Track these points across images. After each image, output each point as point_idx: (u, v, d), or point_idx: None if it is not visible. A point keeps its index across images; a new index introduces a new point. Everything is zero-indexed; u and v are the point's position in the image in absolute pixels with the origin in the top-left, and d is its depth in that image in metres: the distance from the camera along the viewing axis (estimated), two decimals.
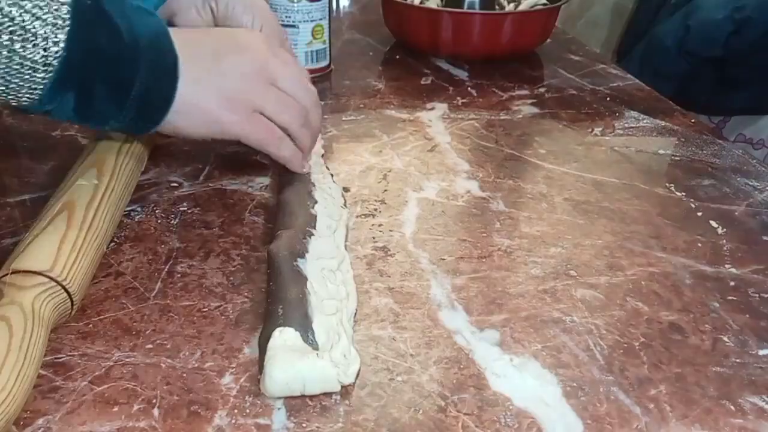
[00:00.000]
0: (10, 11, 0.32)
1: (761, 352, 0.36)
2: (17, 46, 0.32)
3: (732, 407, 0.33)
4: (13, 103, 0.35)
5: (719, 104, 1.13)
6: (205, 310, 0.38)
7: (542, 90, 0.74)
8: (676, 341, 0.37)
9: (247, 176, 0.53)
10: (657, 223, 0.48)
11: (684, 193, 0.53)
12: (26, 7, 0.32)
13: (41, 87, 0.34)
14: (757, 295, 0.41)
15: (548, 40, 0.88)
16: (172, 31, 0.40)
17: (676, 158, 0.59)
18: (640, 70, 1.03)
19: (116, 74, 0.36)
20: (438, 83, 0.75)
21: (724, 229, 0.48)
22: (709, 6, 1.09)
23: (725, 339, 0.37)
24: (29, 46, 0.33)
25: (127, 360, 0.34)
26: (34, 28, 0.32)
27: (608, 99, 0.72)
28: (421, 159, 0.57)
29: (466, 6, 0.83)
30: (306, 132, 0.47)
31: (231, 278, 0.40)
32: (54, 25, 0.33)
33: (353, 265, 0.42)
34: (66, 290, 0.35)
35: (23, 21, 0.32)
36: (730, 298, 0.40)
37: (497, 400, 0.32)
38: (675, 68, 1.12)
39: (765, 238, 0.47)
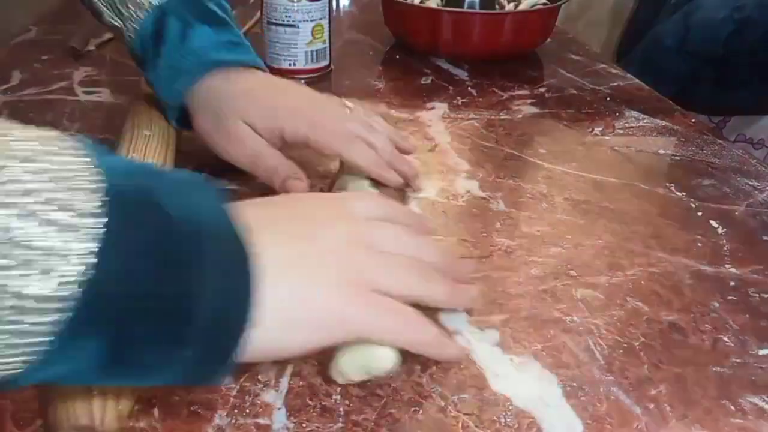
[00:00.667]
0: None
1: (761, 352, 0.36)
2: (10, 276, 0.19)
3: (732, 407, 0.33)
4: None
5: (719, 104, 1.13)
6: None
7: (542, 90, 0.74)
8: (676, 341, 0.37)
9: (247, 176, 0.53)
10: (657, 223, 0.48)
11: (684, 193, 0.53)
12: (21, 208, 0.19)
13: (48, 338, 0.21)
14: (757, 294, 0.41)
15: (548, 40, 0.88)
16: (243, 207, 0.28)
17: (677, 158, 0.59)
18: (640, 70, 1.03)
19: (170, 299, 0.23)
20: (438, 83, 0.75)
21: (725, 229, 0.48)
22: (709, 6, 1.09)
23: (725, 339, 0.37)
24: (33, 272, 0.20)
25: None
26: (42, 239, 0.20)
27: (608, 99, 0.72)
28: (422, 159, 0.57)
29: (466, 6, 0.83)
30: (448, 288, 0.34)
31: None
32: (74, 230, 0.20)
33: None
34: None
35: (24, 232, 0.19)
36: (730, 298, 0.40)
37: (497, 400, 0.32)
38: (675, 68, 1.12)
39: (765, 238, 0.47)
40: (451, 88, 0.74)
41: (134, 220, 0.22)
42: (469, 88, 0.74)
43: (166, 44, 0.46)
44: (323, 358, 0.34)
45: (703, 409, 0.33)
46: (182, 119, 0.48)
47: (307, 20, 0.70)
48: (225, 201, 0.27)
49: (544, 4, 0.85)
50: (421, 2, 0.85)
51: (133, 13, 0.47)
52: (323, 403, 0.32)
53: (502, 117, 0.66)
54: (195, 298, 0.24)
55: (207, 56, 0.46)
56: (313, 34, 0.72)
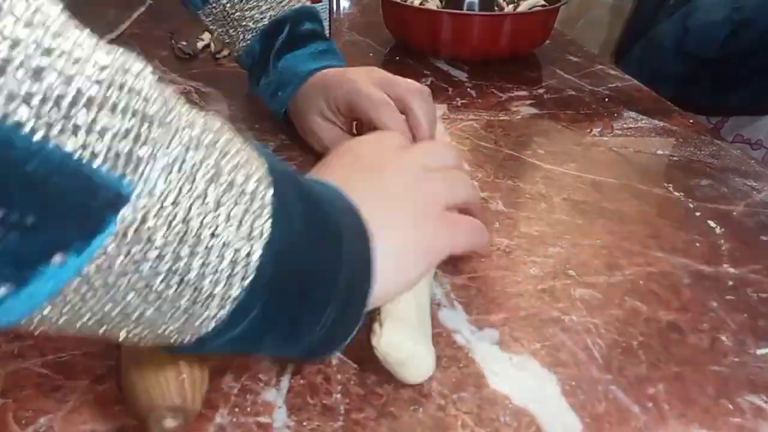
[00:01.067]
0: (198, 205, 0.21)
1: (759, 352, 0.36)
2: (198, 260, 0.21)
3: (730, 406, 0.33)
4: (157, 341, 0.23)
5: (718, 105, 1.13)
6: None
7: (541, 91, 0.74)
8: (675, 340, 0.37)
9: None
10: (655, 223, 0.48)
11: (682, 193, 0.53)
12: (220, 192, 0.22)
13: (224, 315, 0.23)
14: (755, 294, 0.41)
15: (547, 42, 0.88)
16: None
17: (675, 158, 0.59)
18: (639, 71, 1.03)
19: (324, 269, 0.27)
20: (437, 84, 0.75)
21: (723, 229, 0.48)
22: (707, 7, 1.10)
23: (723, 338, 0.37)
24: (217, 260, 0.22)
25: None
26: (222, 241, 0.22)
27: (607, 100, 0.72)
28: None
29: (465, 7, 0.83)
30: (477, 196, 0.40)
31: None
32: (251, 228, 0.23)
33: None
34: None
35: (213, 222, 0.21)
36: (728, 297, 0.41)
37: (496, 398, 0.33)
38: (673, 69, 1.13)
39: (763, 238, 0.47)
40: (450, 89, 0.74)
41: (292, 206, 0.25)
42: (469, 89, 0.74)
43: (267, 66, 0.55)
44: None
45: (701, 408, 0.33)
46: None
47: None
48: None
49: (543, 5, 0.85)
50: (420, 4, 0.85)
51: (242, 35, 0.56)
52: (324, 401, 0.32)
53: (501, 118, 0.66)
54: (338, 266, 0.28)
55: (299, 70, 0.54)
56: None
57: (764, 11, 1.02)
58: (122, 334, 0.22)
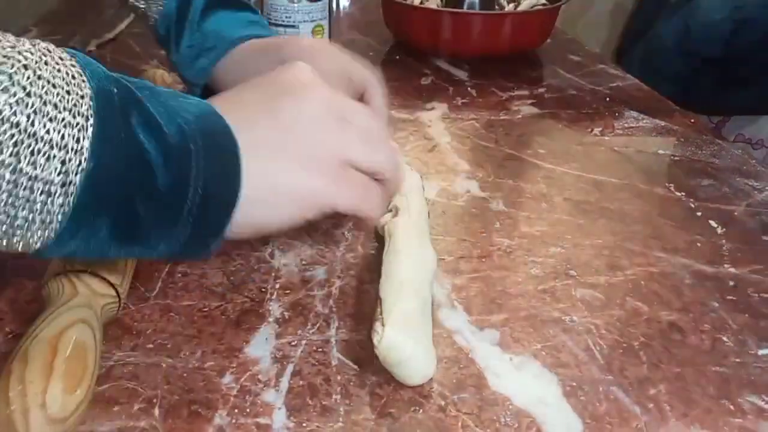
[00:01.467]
0: (12, 117, 0.22)
1: (761, 352, 0.36)
2: (23, 163, 0.22)
3: (731, 407, 0.33)
4: (18, 248, 0.25)
5: (719, 104, 1.13)
6: (205, 309, 0.38)
7: (542, 90, 0.74)
8: (676, 341, 0.37)
9: None
10: (657, 223, 0.48)
11: (683, 193, 0.53)
12: (34, 107, 0.23)
13: (59, 218, 0.24)
14: (756, 294, 0.41)
15: (548, 41, 0.88)
16: (211, 101, 0.31)
17: (676, 158, 0.59)
18: (640, 70, 1.03)
19: (163, 180, 0.26)
20: (438, 83, 0.75)
21: (724, 229, 0.48)
22: (709, 6, 1.09)
23: (725, 339, 0.37)
24: (41, 160, 0.23)
25: (128, 360, 0.34)
26: (46, 134, 0.23)
27: (608, 99, 0.72)
28: (421, 159, 0.57)
29: (465, 6, 0.83)
30: (399, 174, 0.36)
31: (231, 278, 0.41)
32: (73, 126, 0.24)
33: (352, 266, 0.42)
34: (119, 308, 0.36)
35: (31, 126, 0.22)
36: (729, 297, 0.41)
37: (497, 399, 0.32)
38: (675, 68, 1.12)
39: (764, 238, 0.47)
40: (450, 88, 0.74)
41: (122, 120, 0.25)
42: (469, 88, 0.74)
43: (188, 26, 0.48)
44: (321, 357, 0.35)
45: (702, 408, 0.33)
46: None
47: (308, 21, 0.71)
48: (204, 101, 0.30)
49: (544, 4, 0.85)
50: (421, 3, 0.85)
51: None
52: (323, 402, 0.32)
53: (501, 117, 0.66)
54: (187, 175, 0.27)
55: (227, 35, 0.48)
56: (313, 35, 0.72)
57: (765, 10, 1.02)
58: None
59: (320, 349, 0.35)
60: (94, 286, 0.34)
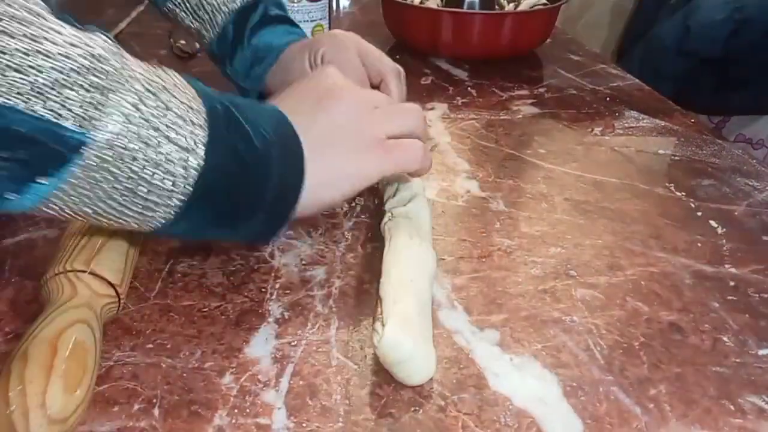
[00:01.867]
0: (146, 134, 0.28)
1: (761, 352, 0.36)
2: (161, 158, 0.29)
3: (731, 407, 0.33)
4: (135, 226, 0.31)
5: (719, 104, 1.13)
6: (205, 309, 0.38)
7: (542, 90, 0.74)
8: (676, 341, 0.37)
9: None
10: (657, 223, 0.48)
11: (684, 193, 0.53)
12: (162, 126, 0.29)
13: (179, 203, 0.31)
14: (756, 295, 0.41)
15: (548, 40, 0.88)
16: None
17: (676, 158, 0.59)
18: (640, 70, 1.03)
19: (252, 179, 0.34)
20: (438, 83, 0.75)
21: (724, 229, 0.48)
22: (709, 6, 1.09)
23: (725, 339, 0.37)
24: (170, 157, 0.29)
25: (128, 360, 0.34)
26: (176, 136, 0.30)
27: (608, 99, 0.72)
28: None
29: (465, 6, 0.83)
30: (424, 126, 0.44)
31: (231, 278, 0.41)
32: (193, 140, 0.30)
33: (352, 266, 0.42)
34: (118, 308, 0.36)
35: (158, 144, 0.29)
36: (729, 298, 0.41)
37: (497, 399, 0.32)
38: (675, 68, 1.12)
39: (765, 238, 0.47)
40: (450, 88, 0.74)
41: (225, 131, 0.32)
42: (469, 88, 0.74)
43: (240, 44, 0.56)
44: (322, 357, 0.34)
45: (702, 408, 0.33)
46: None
47: (308, 20, 0.71)
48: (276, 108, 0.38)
49: (544, 4, 0.85)
50: (420, 3, 0.85)
51: (212, 18, 0.56)
52: (323, 403, 0.32)
53: (501, 117, 0.66)
54: (268, 178, 0.34)
55: (275, 45, 0.55)
56: (313, 35, 0.72)
57: (765, 10, 1.02)
58: (102, 220, 0.30)
59: (320, 349, 0.35)
60: (94, 287, 0.34)
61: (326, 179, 0.37)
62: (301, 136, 0.37)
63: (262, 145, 0.34)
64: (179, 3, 0.57)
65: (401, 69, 0.54)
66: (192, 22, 0.58)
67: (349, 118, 0.39)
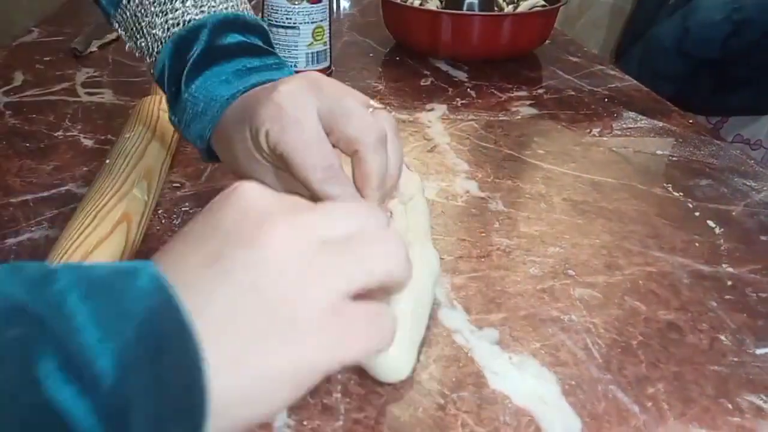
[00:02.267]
0: None
1: (758, 351, 0.36)
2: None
3: (729, 406, 0.33)
4: None
5: (717, 105, 1.13)
6: None
7: (541, 91, 0.74)
8: (674, 340, 0.37)
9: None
10: (655, 223, 0.48)
11: (682, 193, 0.53)
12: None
13: None
14: (754, 294, 0.41)
15: (547, 42, 0.88)
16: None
17: (674, 159, 0.59)
18: (639, 71, 1.04)
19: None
20: (437, 84, 0.76)
21: (722, 229, 0.48)
22: (707, 7, 1.10)
23: (723, 338, 0.37)
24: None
25: None
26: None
27: (606, 100, 0.72)
28: (421, 159, 0.57)
29: (465, 8, 0.83)
30: (408, 270, 0.26)
31: None
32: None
33: None
34: None
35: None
36: (727, 297, 0.41)
37: (496, 398, 0.33)
38: (673, 69, 1.13)
39: (762, 237, 0.47)
40: (450, 89, 0.74)
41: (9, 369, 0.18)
42: (468, 89, 0.74)
43: (178, 88, 0.40)
44: None
45: (701, 407, 0.33)
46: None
47: (308, 22, 0.71)
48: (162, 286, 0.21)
49: (543, 5, 0.86)
50: (420, 4, 0.85)
51: (150, 47, 0.42)
52: (324, 401, 0.32)
53: (500, 118, 0.67)
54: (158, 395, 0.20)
55: (217, 95, 0.39)
56: (313, 36, 0.72)
57: (764, 11, 1.02)
58: None
59: None
60: None
61: (245, 393, 0.22)
62: (196, 319, 0.21)
63: (112, 377, 0.19)
64: (121, 20, 0.43)
65: (391, 124, 0.36)
66: (135, 50, 0.44)
67: (277, 275, 0.22)
